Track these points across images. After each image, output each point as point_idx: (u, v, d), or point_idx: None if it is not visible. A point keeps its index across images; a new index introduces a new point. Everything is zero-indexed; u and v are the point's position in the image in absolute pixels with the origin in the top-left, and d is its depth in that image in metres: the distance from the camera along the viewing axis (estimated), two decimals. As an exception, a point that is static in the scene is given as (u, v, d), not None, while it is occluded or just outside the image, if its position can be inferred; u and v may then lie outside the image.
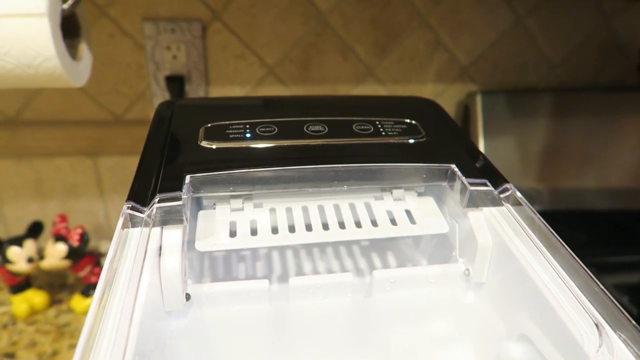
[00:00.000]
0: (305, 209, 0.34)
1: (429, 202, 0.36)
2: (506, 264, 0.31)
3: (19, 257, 0.60)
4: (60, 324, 0.63)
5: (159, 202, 0.29)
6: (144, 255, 0.27)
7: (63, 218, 0.62)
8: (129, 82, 0.69)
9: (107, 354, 0.22)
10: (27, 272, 0.62)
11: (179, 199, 0.29)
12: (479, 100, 0.73)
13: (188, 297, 0.30)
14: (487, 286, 0.33)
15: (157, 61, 0.68)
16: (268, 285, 0.31)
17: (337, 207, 0.35)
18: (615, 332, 0.24)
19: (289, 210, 0.34)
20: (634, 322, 0.24)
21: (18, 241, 0.61)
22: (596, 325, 0.25)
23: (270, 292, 0.32)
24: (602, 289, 0.26)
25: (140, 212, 0.29)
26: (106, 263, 0.26)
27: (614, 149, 0.78)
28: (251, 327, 0.32)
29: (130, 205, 0.29)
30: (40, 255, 0.62)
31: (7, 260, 0.60)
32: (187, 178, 0.31)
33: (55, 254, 0.60)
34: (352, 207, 0.35)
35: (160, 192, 0.30)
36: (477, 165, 0.35)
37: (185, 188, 0.30)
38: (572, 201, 0.78)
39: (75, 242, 0.61)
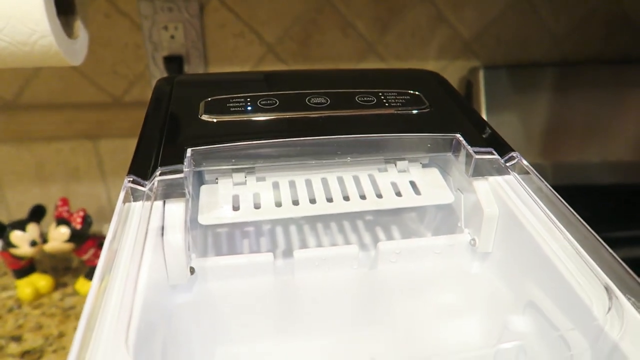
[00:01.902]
0: (308, 182, 0.34)
1: (434, 173, 0.36)
2: (513, 233, 0.31)
3: (22, 241, 0.60)
4: (65, 307, 0.63)
5: (160, 175, 0.29)
6: (146, 229, 0.27)
7: (65, 201, 0.62)
8: (127, 63, 0.68)
9: (111, 328, 0.22)
10: (31, 255, 0.62)
11: (180, 171, 0.29)
12: (481, 75, 0.72)
13: (192, 271, 0.30)
14: (493, 256, 0.33)
15: (154, 41, 0.67)
16: (272, 259, 0.31)
17: (340, 180, 0.34)
18: (624, 295, 0.24)
19: (292, 183, 0.34)
20: (644, 285, 0.24)
21: (21, 225, 0.61)
22: (605, 288, 0.24)
23: (275, 265, 0.32)
24: (611, 253, 0.26)
25: (142, 185, 0.29)
26: (108, 237, 0.26)
27: (618, 122, 0.77)
28: (256, 300, 0.32)
29: (131, 179, 0.29)
30: (44, 239, 0.62)
31: (10, 245, 0.60)
32: (189, 151, 0.31)
33: (58, 237, 0.60)
34: (356, 179, 0.35)
35: (162, 165, 0.29)
36: (482, 134, 0.35)
37: (186, 161, 0.30)
38: (576, 176, 0.77)
39: (77, 225, 0.60)
